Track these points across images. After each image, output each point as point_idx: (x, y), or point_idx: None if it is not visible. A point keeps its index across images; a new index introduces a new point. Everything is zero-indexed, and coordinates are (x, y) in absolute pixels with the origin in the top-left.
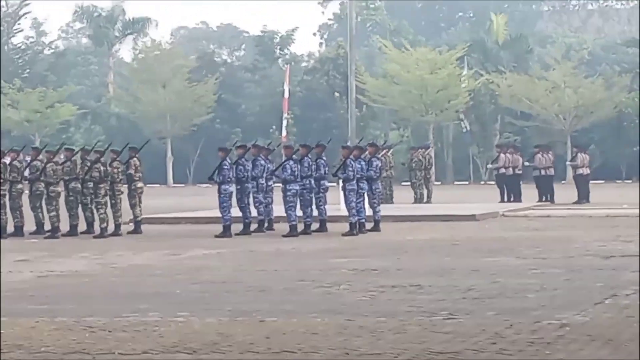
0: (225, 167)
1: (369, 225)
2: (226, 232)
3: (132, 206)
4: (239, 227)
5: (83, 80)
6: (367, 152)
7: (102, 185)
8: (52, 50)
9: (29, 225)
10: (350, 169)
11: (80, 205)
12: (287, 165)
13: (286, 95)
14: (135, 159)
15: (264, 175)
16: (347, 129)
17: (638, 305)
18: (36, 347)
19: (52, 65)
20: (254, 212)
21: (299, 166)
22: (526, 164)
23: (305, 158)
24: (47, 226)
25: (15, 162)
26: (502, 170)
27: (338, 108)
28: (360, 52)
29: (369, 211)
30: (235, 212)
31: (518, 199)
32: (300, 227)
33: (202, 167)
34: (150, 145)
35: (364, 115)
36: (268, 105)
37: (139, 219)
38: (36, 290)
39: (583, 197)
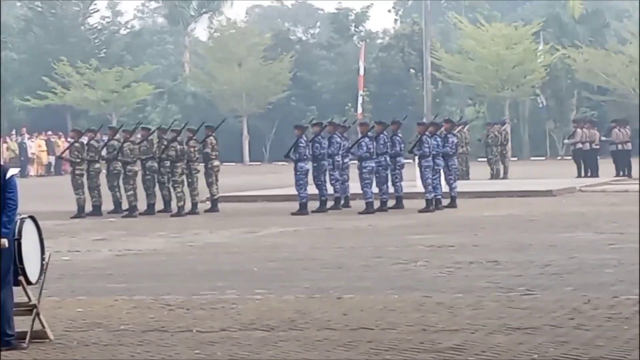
0: (302, 144)
1: (445, 202)
2: (303, 210)
3: (209, 185)
4: (316, 204)
5: (159, 60)
6: (442, 129)
7: (178, 164)
8: (128, 30)
9: (107, 204)
10: (426, 145)
11: (157, 184)
12: (363, 143)
13: (361, 72)
14: (211, 137)
15: (340, 152)
16: (422, 105)
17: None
18: (115, 325)
19: (128, 45)
20: (330, 190)
21: (374, 143)
22: (603, 138)
23: (381, 135)
24: (125, 205)
25: (92, 142)
26: (579, 146)
27: (413, 85)
28: (435, 29)
29: (445, 188)
30: (312, 189)
31: (595, 174)
32: (377, 204)
33: (278, 145)
34: (226, 124)
35: (440, 92)
36: (343, 82)
37: (215, 197)
38: (114, 269)
39: None
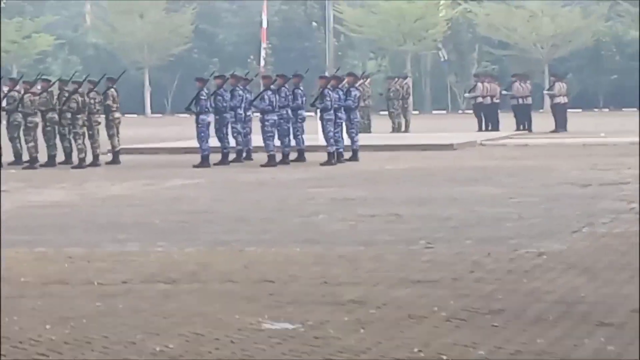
0: (203, 97)
1: (347, 155)
2: (204, 162)
3: (110, 136)
4: (217, 157)
5: (60, 11)
6: (345, 82)
7: (79, 116)
8: None
9: (7, 156)
10: (328, 98)
11: (58, 135)
12: (265, 96)
13: (264, 25)
14: (112, 89)
15: (242, 105)
16: (324, 58)
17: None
18: (16, 277)
19: None
20: (232, 142)
21: (276, 96)
22: (504, 92)
23: (283, 88)
24: (25, 157)
25: None
26: (480, 100)
27: (316, 38)
28: None
29: (347, 141)
30: (214, 142)
31: (496, 127)
32: (279, 157)
33: (180, 97)
34: (128, 75)
35: (342, 45)
36: (246, 35)
37: (117, 149)
38: (15, 221)
39: (560, 126)
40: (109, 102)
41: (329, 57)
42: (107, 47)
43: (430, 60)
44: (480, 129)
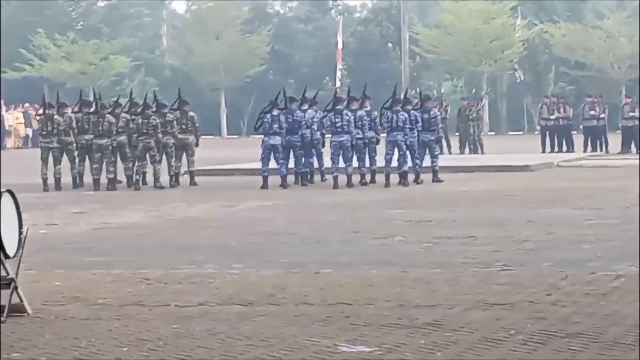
0: (266, 119)
1: (423, 176)
2: (264, 184)
3: (188, 158)
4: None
5: (136, 33)
6: (425, 104)
7: (156, 138)
8: (106, 2)
9: (85, 178)
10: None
11: (134, 158)
12: (336, 117)
13: (340, 46)
14: (190, 111)
15: (312, 126)
16: (400, 79)
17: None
18: (93, 298)
19: (105, 17)
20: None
21: (345, 117)
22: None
23: (359, 110)
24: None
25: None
26: (551, 121)
27: (391, 59)
28: (413, 3)
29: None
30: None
31: (571, 149)
32: (355, 178)
33: (255, 118)
34: (205, 97)
35: (417, 66)
36: (321, 56)
37: (193, 170)
38: (92, 242)
39: (626, 146)
40: (186, 124)
41: (405, 78)
42: (183, 69)
43: (506, 81)
44: (551, 150)
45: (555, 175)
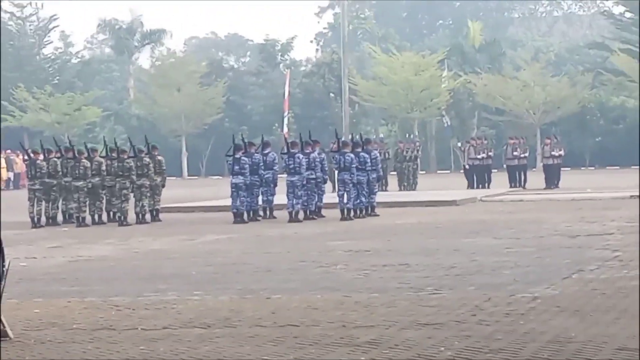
0: (229, 162)
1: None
2: (236, 219)
3: (154, 197)
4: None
5: (106, 86)
6: (367, 147)
7: (130, 179)
8: (79, 59)
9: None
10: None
11: (105, 197)
12: (289, 159)
13: (286, 96)
14: (159, 156)
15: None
16: (341, 125)
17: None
18: (68, 324)
19: (79, 72)
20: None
21: (296, 160)
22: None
23: (312, 153)
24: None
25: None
26: (476, 161)
27: (333, 107)
28: (352, 57)
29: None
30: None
31: (489, 185)
32: (301, 214)
33: (213, 161)
34: (168, 142)
35: (356, 113)
36: (271, 105)
37: (158, 208)
38: (67, 274)
39: (551, 182)
40: (156, 166)
41: (345, 124)
42: (149, 118)
43: (435, 125)
44: (476, 186)
45: (479, 209)
